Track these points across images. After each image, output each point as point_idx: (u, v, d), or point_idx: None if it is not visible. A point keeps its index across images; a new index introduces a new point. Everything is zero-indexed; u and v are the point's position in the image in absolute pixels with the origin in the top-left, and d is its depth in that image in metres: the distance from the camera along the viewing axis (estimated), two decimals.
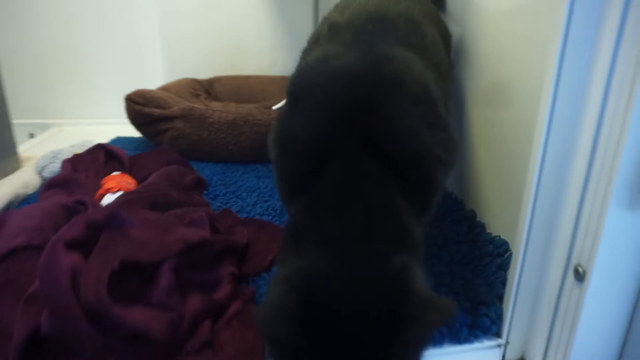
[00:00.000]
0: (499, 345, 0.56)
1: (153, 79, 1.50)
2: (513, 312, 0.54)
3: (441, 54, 0.69)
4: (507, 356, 0.57)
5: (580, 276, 0.47)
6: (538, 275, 0.52)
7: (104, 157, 0.94)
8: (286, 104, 0.57)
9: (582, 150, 0.45)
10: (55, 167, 1.02)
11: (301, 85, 0.56)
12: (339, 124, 0.49)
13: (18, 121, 1.45)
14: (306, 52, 0.70)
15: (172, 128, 1.18)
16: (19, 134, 1.33)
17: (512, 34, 0.69)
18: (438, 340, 0.55)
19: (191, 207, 0.68)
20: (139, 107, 1.21)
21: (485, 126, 0.83)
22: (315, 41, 0.69)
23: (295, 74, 0.58)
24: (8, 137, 1.13)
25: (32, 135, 1.56)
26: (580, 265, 0.47)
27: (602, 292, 0.46)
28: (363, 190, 0.47)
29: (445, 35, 0.78)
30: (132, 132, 1.33)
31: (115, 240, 0.49)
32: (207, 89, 1.54)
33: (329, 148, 0.49)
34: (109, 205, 0.53)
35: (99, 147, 0.95)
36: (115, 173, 0.88)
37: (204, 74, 1.59)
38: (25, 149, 1.38)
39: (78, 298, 0.45)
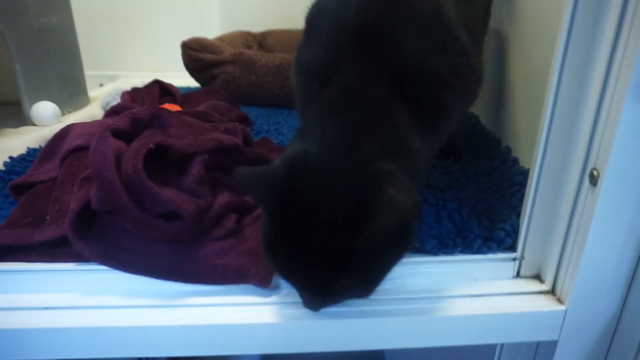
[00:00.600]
0: (513, 259, 0.57)
1: (210, 34, 1.57)
2: (529, 224, 0.55)
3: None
4: (522, 272, 0.57)
5: (594, 179, 0.46)
6: (555, 184, 0.52)
7: (159, 91, 1.02)
8: (303, 32, 0.60)
9: (604, 42, 0.44)
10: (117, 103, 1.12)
11: (316, 14, 0.59)
12: (348, 46, 0.52)
13: (90, 72, 1.59)
14: None
15: (223, 72, 1.25)
16: (90, 83, 1.46)
17: None
18: (450, 248, 0.56)
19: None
20: (193, 52, 1.29)
21: (522, 64, 0.81)
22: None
23: (312, 4, 0.61)
24: (80, 79, 1.24)
25: (101, 85, 1.71)
26: (595, 169, 0.46)
27: (615, 194, 0.45)
28: (365, 99, 0.50)
29: None
30: (190, 83, 1.41)
31: (155, 133, 0.55)
32: (260, 41, 1.59)
33: (338, 68, 0.52)
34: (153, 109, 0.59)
35: (155, 82, 1.03)
36: (167, 104, 0.95)
37: (258, 28, 1.64)
38: (94, 94, 1.52)
39: (120, 175, 0.51)
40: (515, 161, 0.78)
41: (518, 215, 0.59)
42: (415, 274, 0.56)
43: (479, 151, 0.85)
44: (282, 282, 0.55)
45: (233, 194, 0.61)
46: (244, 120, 1.03)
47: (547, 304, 0.53)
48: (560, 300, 0.53)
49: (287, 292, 0.54)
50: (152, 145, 0.50)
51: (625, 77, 0.42)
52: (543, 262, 0.56)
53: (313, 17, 0.60)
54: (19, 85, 0.97)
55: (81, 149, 0.65)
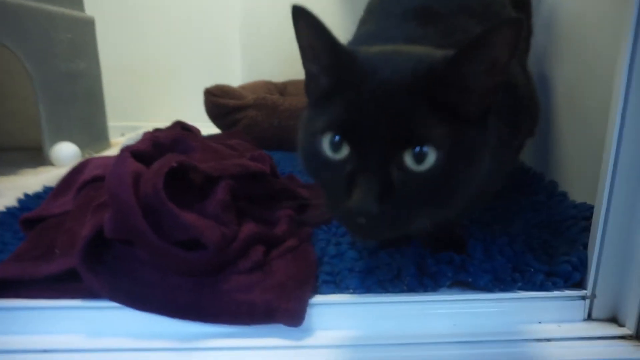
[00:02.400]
0: (582, 298, 0.49)
1: (232, 84, 1.59)
2: (600, 256, 0.47)
3: (506, 12, 0.66)
4: (594, 313, 0.49)
5: None
6: (628, 207, 0.45)
7: (181, 132, 1.00)
8: None
9: None
10: None
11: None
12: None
13: (113, 123, 1.61)
14: (361, 24, 0.70)
15: (246, 117, 1.23)
16: (112, 133, 1.48)
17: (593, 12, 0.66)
18: (508, 284, 0.49)
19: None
20: (215, 98, 1.28)
21: (567, 101, 0.77)
22: (369, 12, 0.69)
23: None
24: (103, 124, 1.25)
25: (122, 134, 1.72)
26: None
27: None
28: None
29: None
30: (211, 130, 1.40)
31: (177, 157, 0.51)
32: (281, 90, 1.60)
33: None
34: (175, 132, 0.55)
35: (177, 123, 1.01)
36: None
37: (278, 79, 1.66)
38: (116, 141, 1.52)
39: (138, 198, 0.46)
40: (564, 195, 0.71)
41: (585, 246, 0.52)
42: (469, 314, 0.49)
43: (519, 187, 0.79)
44: (315, 322, 0.48)
45: (260, 224, 0.55)
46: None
47: (632, 351, 0.44)
48: None
49: (322, 334, 0.47)
50: (174, 164, 0.46)
51: None
52: (620, 301, 0.48)
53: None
54: (41, 126, 0.96)
55: (98, 179, 0.62)
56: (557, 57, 0.81)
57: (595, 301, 0.49)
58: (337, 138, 0.39)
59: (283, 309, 0.46)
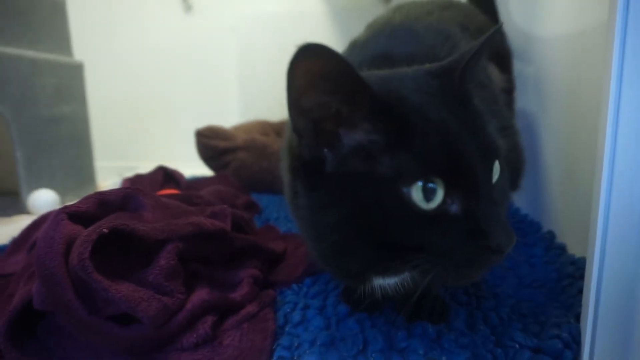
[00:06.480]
0: None
1: (230, 124, 1.57)
2: (594, 331, 0.41)
3: None
4: None
5: None
6: (624, 272, 0.39)
7: (163, 177, 0.97)
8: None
9: None
10: None
11: None
12: None
13: (111, 164, 1.60)
14: None
15: (235, 159, 1.20)
16: (109, 174, 1.47)
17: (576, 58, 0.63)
18: None
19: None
20: (206, 140, 1.26)
21: (558, 142, 0.72)
22: None
23: None
24: (89, 168, 1.22)
25: (120, 175, 1.71)
26: None
27: None
28: None
29: (496, 50, 0.73)
30: (206, 172, 1.37)
31: (120, 217, 0.47)
32: (278, 130, 1.57)
33: None
34: (126, 189, 0.51)
35: (160, 168, 0.98)
36: (168, 190, 0.88)
37: (277, 117, 1.63)
38: (109, 184, 1.50)
39: (69, 268, 0.41)
40: (562, 248, 0.65)
41: (577, 317, 0.45)
42: None
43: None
44: None
45: (214, 289, 0.50)
46: (250, 207, 0.95)
47: None
48: None
49: None
50: (105, 230, 0.41)
51: None
52: None
53: None
54: (18, 172, 0.93)
55: None
56: (546, 106, 0.77)
57: None
58: (430, 185, 0.35)
59: None
